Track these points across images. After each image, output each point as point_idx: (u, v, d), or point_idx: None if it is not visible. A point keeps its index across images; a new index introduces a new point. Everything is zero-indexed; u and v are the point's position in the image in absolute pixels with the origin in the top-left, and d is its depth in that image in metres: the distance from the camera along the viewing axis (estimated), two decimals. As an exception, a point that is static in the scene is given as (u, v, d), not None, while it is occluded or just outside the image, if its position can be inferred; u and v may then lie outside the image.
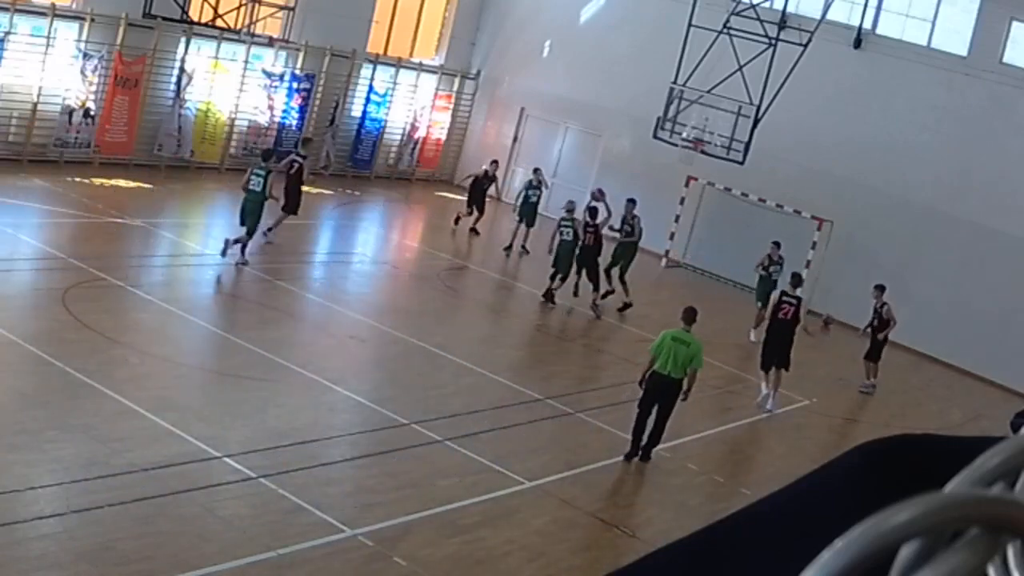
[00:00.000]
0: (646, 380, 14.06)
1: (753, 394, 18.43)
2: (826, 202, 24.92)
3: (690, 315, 14.29)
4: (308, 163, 21.59)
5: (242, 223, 19.02)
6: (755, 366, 20.09)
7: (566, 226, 21.01)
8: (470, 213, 25.45)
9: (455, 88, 30.87)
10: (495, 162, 26.60)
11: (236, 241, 18.82)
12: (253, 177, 19.11)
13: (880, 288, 20.90)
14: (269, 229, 20.52)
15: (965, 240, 23.82)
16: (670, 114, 24.07)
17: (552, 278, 20.96)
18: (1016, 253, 23.14)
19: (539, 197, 25.14)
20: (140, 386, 13.04)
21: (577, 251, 20.87)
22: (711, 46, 23.21)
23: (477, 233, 25.33)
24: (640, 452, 14.17)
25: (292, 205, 20.96)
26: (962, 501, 0.60)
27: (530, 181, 25.30)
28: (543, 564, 11.21)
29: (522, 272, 23.63)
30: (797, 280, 18.33)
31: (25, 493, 10.10)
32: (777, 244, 22.91)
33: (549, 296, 20.91)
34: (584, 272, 20.94)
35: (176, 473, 11.02)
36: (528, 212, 24.75)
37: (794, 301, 17.88)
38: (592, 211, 21.28)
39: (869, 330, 20.70)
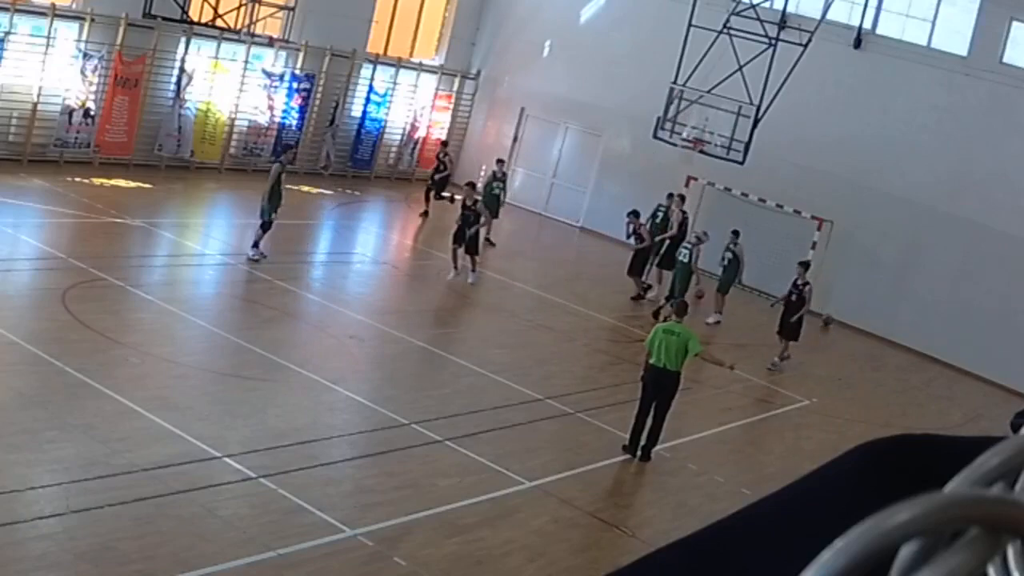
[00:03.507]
0: (644, 375, 14.32)
1: (754, 393, 18.48)
2: (826, 202, 24.92)
3: (681, 308, 14.82)
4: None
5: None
6: (753, 365, 20.13)
7: (731, 252, 22.65)
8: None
9: (455, 88, 30.88)
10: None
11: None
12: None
13: (804, 265, 21.15)
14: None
15: (965, 240, 23.82)
16: (670, 114, 24.08)
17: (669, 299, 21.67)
18: (1016, 253, 23.14)
19: (502, 189, 25.32)
20: (140, 386, 13.04)
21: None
22: (711, 46, 23.22)
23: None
24: (640, 451, 14.22)
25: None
26: (962, 501, 0.60)
27: (494, 172, 25.42)
28: (543, 564, 11.21)
29: (520, 272, 23.61)
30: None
31: (25, 493, 10.11)
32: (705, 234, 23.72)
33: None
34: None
35: (176, 473, 11.02)
36: (492, 203, 24.59)
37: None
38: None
39: (781, 304, 20.88)
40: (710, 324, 21.75)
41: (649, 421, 14.12)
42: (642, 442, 14.20)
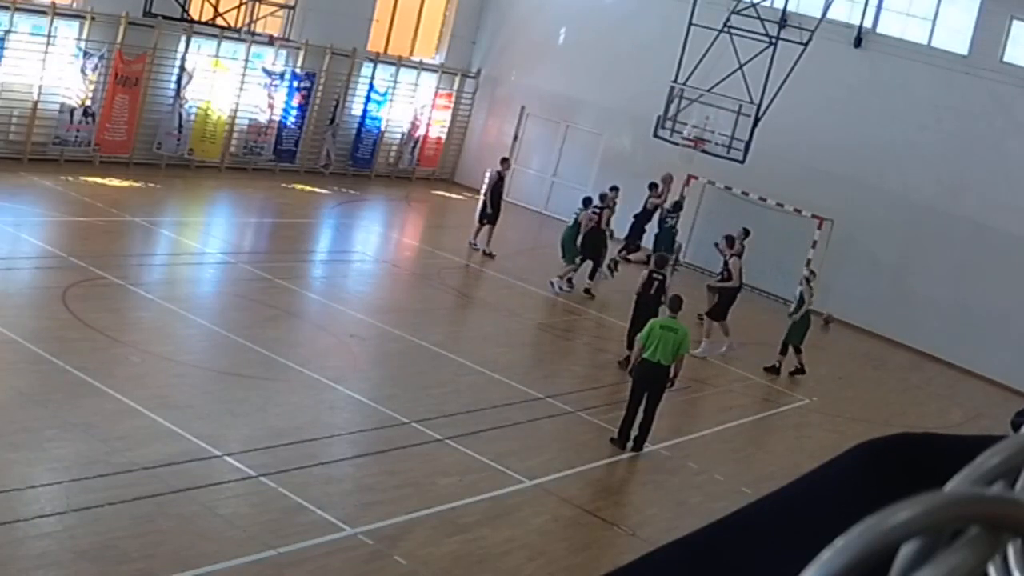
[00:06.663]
0: (635, 369, 14.46)
1: (755, 392, 18.48)
2: (826, 201, 24.91)
3: (676, 303, 14.90)
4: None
5: None
6: (754, 364, 20.11)
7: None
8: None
9: (455, 87, 30.86)
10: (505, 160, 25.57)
11: None
12: None
13: (728, 240, 20.68)
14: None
15: (965, 239, 23.82)
16: (670, 113, 24.06)
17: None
18: (1016, 252, 23.13)
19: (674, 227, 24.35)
20: (140, 385, 13.04)
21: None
22: (711, 45, 23.20)
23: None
24: (632, 442, 14.31)
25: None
26: (962, 500, 0.60)
27: (676, 203, 24.61)
28: (543, 563, 11.22)
29: (521, 270, 23.61)
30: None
31: (25, 492, 10.10)
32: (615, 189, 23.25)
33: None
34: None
35: (176, 472, 11.02)
36: (665, 240, 23.99)
37: (598, 210, 22.02)
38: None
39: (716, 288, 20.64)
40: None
41: (640, 414, 14.22)
42: (634, 433, 14.29)
